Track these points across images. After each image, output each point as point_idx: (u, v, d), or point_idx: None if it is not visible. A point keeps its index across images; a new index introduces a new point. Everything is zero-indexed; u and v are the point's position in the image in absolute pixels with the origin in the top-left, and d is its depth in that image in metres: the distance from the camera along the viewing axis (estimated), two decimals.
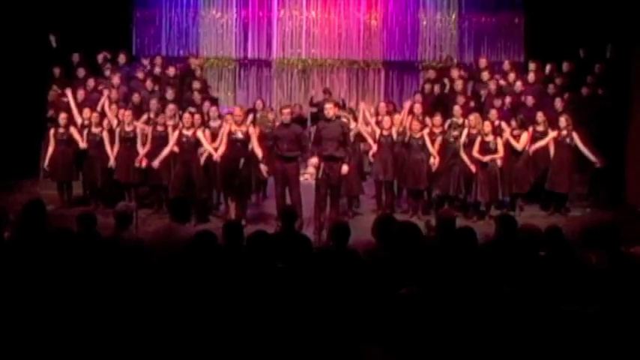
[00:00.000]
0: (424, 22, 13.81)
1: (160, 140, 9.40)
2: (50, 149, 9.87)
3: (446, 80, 11.61)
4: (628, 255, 4.79)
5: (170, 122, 9.48)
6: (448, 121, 9.90)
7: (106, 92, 10.33)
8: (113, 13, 12.54)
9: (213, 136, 9.07)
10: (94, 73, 11.34)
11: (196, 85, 11.19)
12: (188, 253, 4.84)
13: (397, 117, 9.80)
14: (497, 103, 10.60)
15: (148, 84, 11.05)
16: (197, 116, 9.28)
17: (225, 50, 13.80)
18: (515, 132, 9.69)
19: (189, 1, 13.74)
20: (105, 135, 9.63)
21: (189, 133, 9.01)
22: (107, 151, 9.56)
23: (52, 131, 9.87)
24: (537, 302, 4.04)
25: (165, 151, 9.15)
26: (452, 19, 13.81)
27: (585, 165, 10.13)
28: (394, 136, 9.52)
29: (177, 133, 9.09)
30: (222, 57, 13.75)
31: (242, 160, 8.87)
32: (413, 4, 13.80)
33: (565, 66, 11.35)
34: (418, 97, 11.12)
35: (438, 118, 9.69)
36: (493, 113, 9.84)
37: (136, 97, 10.47)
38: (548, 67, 11.38)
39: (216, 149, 8.89)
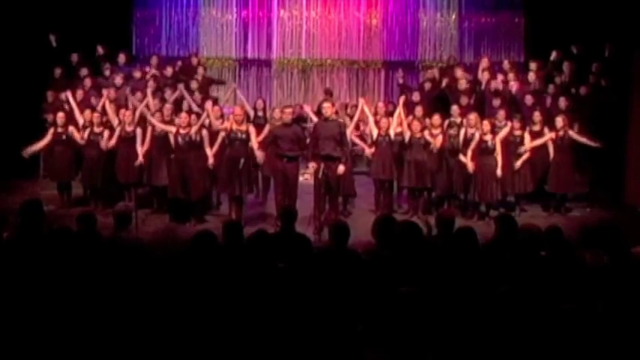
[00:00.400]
0: (424, 22, 13.82)
1: (160, 140, 9.39)
2: (43, 143, 9.75)
3: (444, 81, 11.60)
4: (630, 255, 4.78)
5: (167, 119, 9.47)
6: (447, 121, 9.89)
7: (105, 92, 10.32)
8: (113, 13, 12.55)
9: (212, 137, 9.08)
10: (93, 72, 11.35)
11: (194, 85, 11.18)
12: (188, 253, 4.84)
13: (395, 115, 9.75)
14: (496, 103, 10.60)
15: (150, 84, 11.05)
16: (194, 116, 9.28)
17: (225, 50, 13.81)
18: (517, 132, 9.68)
19: (189, 1, 13.76)
20: (138, 132, 9.55)
21: (185, 132, 9.00)
22: (137, 149, 9.43)
23: (50, 130, 9.84)
24: (537, 302, 4.04)
25: (142, 149, 9.28)
26: (452, 19, 13.82)
27: (585, 165, 10.13)
28: (392, 135, 9.50)
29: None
30: (222, 57, 13.75)
31: (242, 160, 8.87)
32: (413, 4, 13.81)
33: (565, 66, 11.35)
34: (416, 94, 11.13)
35: (436, 118, 9.68)
36: (502, 114, 9.83)
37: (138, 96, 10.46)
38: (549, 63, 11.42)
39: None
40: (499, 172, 9.27)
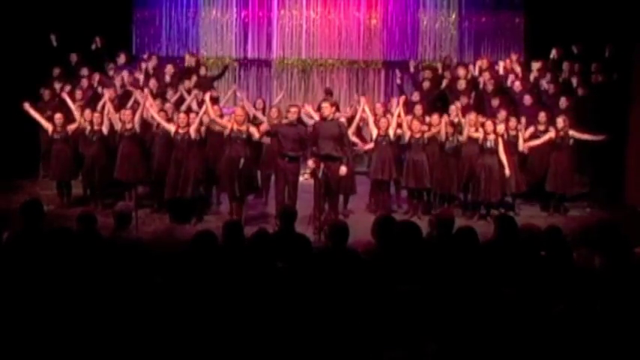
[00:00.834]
0: (424, 22, 13.81)
1: (161, 139, 9.39)
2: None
3: (444, 81, 11.61)
4: (631, 255, 4.77)
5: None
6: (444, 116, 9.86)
7: (106, 92, 10.32)
8: (113, 13, 12.54)
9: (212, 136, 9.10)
10: (93, 72, 11.36)
11: (187, 84, 11.16)
12: (188, 252, 4.84)
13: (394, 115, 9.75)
14: (496, 102, 10.61)
15: (152, 83, 11.06)
16: (192, 115, 9.27)
17: (225, 50, 13.81)
18: (512, 132, 9.69)
19: (189, 1, 13.75)
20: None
21: (184, 131, 9.00)
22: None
23: (50, 129, 9.83)
24: (537, 302, 4.04)
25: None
26: (452, 19, 13.81)
27: (585, 165, 10.13)
28: (391, 135, 9.50)
29: (173, 128, 9.08)
30: (222, 57, 13.76)
31: (242, 160, 8.87)
32: (413, 4, 13.80)
33: (565, 65, 11.36)
34: (416, 94, 11.12)
35: (435, 118, 9.68)
36: (503, 114, 9.84)
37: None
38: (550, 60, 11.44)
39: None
40: (507, 171, 9.27)
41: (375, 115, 9.91)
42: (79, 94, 10.61)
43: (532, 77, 11.33)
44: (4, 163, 10.69)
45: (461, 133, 9.47)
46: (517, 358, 3.77)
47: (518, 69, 11.48)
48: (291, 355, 3.89)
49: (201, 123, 9.11)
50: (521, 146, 9.65)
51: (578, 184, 10.31)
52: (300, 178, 9.23)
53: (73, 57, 11.56)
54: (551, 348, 3.79)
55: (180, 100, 10.63)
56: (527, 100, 10.61)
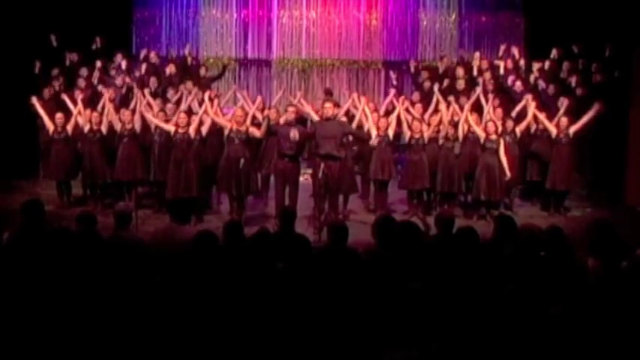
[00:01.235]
0: (424, 22, 13.83)
1: (161, 139, 9.39)
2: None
3: (445, 81, 11.61)
4: (632, 257, 4.76)
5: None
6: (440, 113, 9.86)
7: (105, 92, 10.32)
8: (113, 13, 12.55)
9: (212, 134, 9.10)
10: (92, 72, 11.36)
11: (189, 85, 11.15)
12: (189, 252, 4.83)
13: (392, 116, 9.74)
14: (496, 102, 10.60)
15: (152, 81, 11.06)
16: (193, 116, 9.27)
17: (225, 50, 13.81)
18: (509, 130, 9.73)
19: (189, 1, 13.76)
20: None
21: (184, 131, 9.00)
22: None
23: (52, 128, 9.82)
24: (536, 302, 4.04)
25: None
26: (452, 19, 13.82)
27: (585, 165, 10.13)
28: (391, 136, 9.50)
29: (172, 129, 9.05)
30: (223, 57, 13.76)
31: (242, 160, 8.86)
32: (413, 4, 13.82)
33: (565, 65, 11.36)
34: (416, 94, 11.11)
35: (435, 118, 9.68)
36: (499, 112, 9.85)
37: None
38: (548, 63, 11.43)
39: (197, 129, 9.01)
40: (508, 174, 9.26)
41: (374, 114, 9.90)
42: (78, 93, 10.60)
43: (532, 77, 11.32)
44: (4, 163, 10.69)
45: (475, 133, 9.47)
46: (517, 357, 3.77)
47: (522, 62, 11.45)
48: (291, 355, 3.89)
49: (201, 122, 9.10)
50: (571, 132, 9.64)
51: (577, 181, 10.30)
52: (300, 178, 9.22)
53: (73, 56, 11.55)
54: (549, 348, 3.79)
55: (181, 100, 10.64)
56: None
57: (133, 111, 9.70)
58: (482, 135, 9.36)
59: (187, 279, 4.46)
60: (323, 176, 8.40)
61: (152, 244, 5.65)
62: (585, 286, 4.48)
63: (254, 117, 9.46)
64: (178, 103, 10.37)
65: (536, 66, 11.47)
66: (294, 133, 8.43)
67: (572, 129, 9.66)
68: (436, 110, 9.96)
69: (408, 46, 13.84)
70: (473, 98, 10.24)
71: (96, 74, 11.27)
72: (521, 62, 11.58)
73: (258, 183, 9.67)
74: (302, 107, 9.89)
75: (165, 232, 6.17)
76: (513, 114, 9.95)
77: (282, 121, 9.12)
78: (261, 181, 9.89)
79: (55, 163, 9.87)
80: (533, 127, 9.96)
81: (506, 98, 10.94)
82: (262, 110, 10.42)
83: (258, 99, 10.40)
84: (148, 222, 9.05)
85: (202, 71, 12.02)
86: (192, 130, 8.99)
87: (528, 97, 10.01)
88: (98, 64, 11.39)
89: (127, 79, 11.06)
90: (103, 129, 9.68)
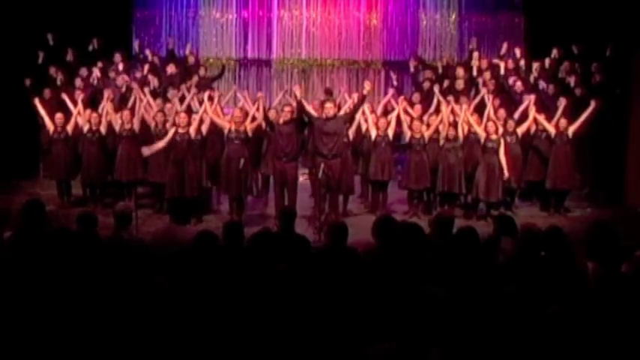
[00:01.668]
0: (424, 22, 13.84)
1: (163, 138, 9.38)
2: (163, 143, 9.24)
3: (445, 81, 11.61)
4: (632, 259, 4.75)
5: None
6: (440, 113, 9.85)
7: (105, 92, 10.31)
8: (113, 13, 12.54)
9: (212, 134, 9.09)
10: (91, 72, 11.36)
11: (188, 84, 11.16)
12: (189, 252, 4.84)
13: (392, 116, 9.73)
14: (496, 102, 10.60)
15: (153, 80, 11.05)
16: (194, 115, 9.27)
17: (225, 50, 13.82)
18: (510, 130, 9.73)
19: (189, 1, 13.76)
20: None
21: (184, 131, 8.99)
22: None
23: (52, 128, 9.81)
24: (536, 302, 4.04)
25: (158, 146, 8.96)
26: (452, 19, 13.83)
27: (585, 165, 10.12)
28: (390, 136, 9.50)
29: (172, 130, 9.01)
30: (222, 57, 13.76)
31: (242, 160, 8.87)
32: (413, 4, 13.83)
33: (565, 65, 11.36)
34: (416, 95, 11.11)
35: (434, 118, 9.68)
36: (502, 112, 9.85)
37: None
38: (547, 61, 11.44)
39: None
40: (506, 173, 9.26)
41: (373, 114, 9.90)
42: (78, 94, 10.60)
43: (532, 78, 11.32)
44: (4, 163, 10.69)
45: (476, 133, 9.46)
46: (517, 357, 3.77)
47: (522, 62, 11.45)
48: (292, 355, 3.89)
49: (201, 122, 9.10)
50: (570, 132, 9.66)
51: (577, 180, 10.30)
52: (300, 179, 9.23)
53: (70, 55, 11.54)
54: (547, 349, 3.78)
55: (181, 100, 10.63)
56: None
57: (132, 111, 9.69)
58: (482, 135, 9.36)
59: (187, 279, 4.46)
60: (323, 176, 8.41)
61: (152, 244, 5.65)
62: (585, 286, 4.48)
63: (254, 117, 9.45)
64: (182, 100, 10.34)
65: (535, 65, 11.47)
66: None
67: (571, 129, 9.66)
68: (437, 111, 9.96)
69: (408, 46, 13.84)
70: (477, 99, 10.24)
71: (95, 74, 11.26)
72: (522, 62, 11.58)
73: (258, 183, 9.67)
74: (298, 97, 9.84)
75: (166, 233, 6.18)
76: (516, 115, 9.93)
77: (281, 121, 9.11)
78: (262, 181, 9.90)
79: (55, 163, 9.88)
80: (533, 128, 9.96)
81: (507, 98, 10.93)
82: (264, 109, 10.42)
83: (259, 94, 10.39)
84: (148, 222, 9.06)
85: (202, 71, 12.02)
86: (192, 130, 8.99)
87: (530, 98, 10.00)
88: (99, 64, 11.39)
89: (127, 79, 11.06)
90: (102, 129, 9.68)
